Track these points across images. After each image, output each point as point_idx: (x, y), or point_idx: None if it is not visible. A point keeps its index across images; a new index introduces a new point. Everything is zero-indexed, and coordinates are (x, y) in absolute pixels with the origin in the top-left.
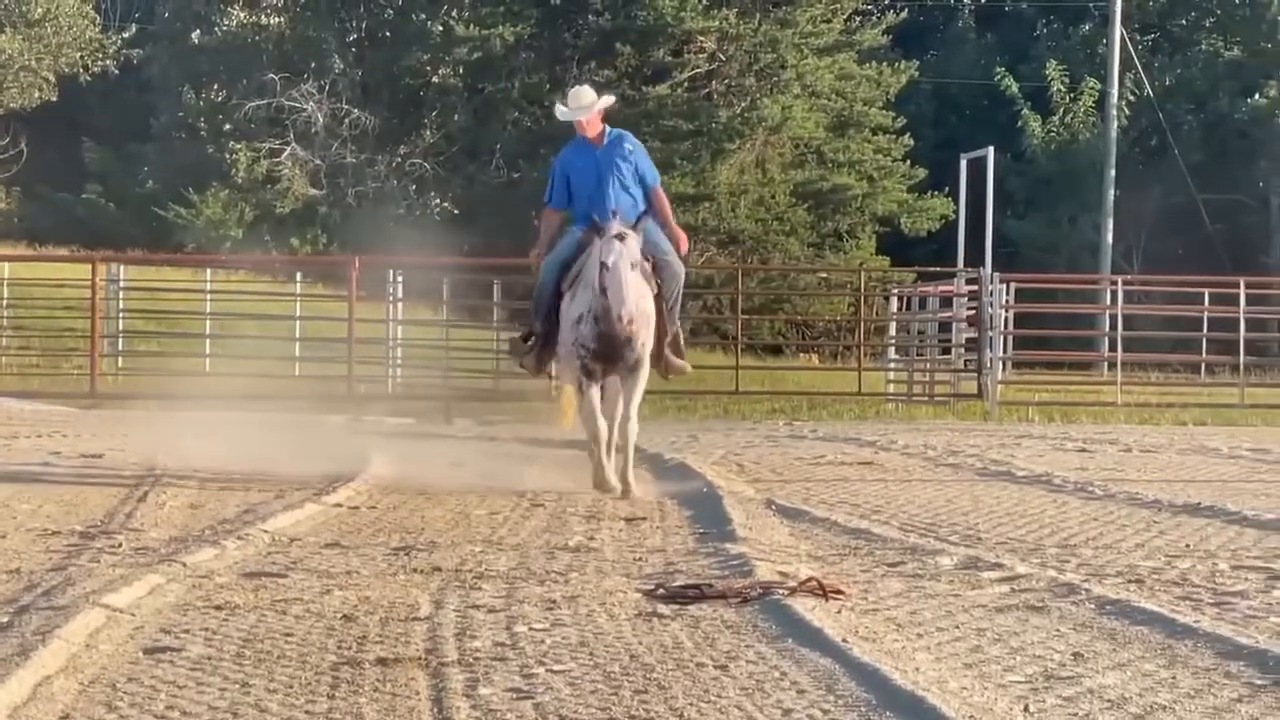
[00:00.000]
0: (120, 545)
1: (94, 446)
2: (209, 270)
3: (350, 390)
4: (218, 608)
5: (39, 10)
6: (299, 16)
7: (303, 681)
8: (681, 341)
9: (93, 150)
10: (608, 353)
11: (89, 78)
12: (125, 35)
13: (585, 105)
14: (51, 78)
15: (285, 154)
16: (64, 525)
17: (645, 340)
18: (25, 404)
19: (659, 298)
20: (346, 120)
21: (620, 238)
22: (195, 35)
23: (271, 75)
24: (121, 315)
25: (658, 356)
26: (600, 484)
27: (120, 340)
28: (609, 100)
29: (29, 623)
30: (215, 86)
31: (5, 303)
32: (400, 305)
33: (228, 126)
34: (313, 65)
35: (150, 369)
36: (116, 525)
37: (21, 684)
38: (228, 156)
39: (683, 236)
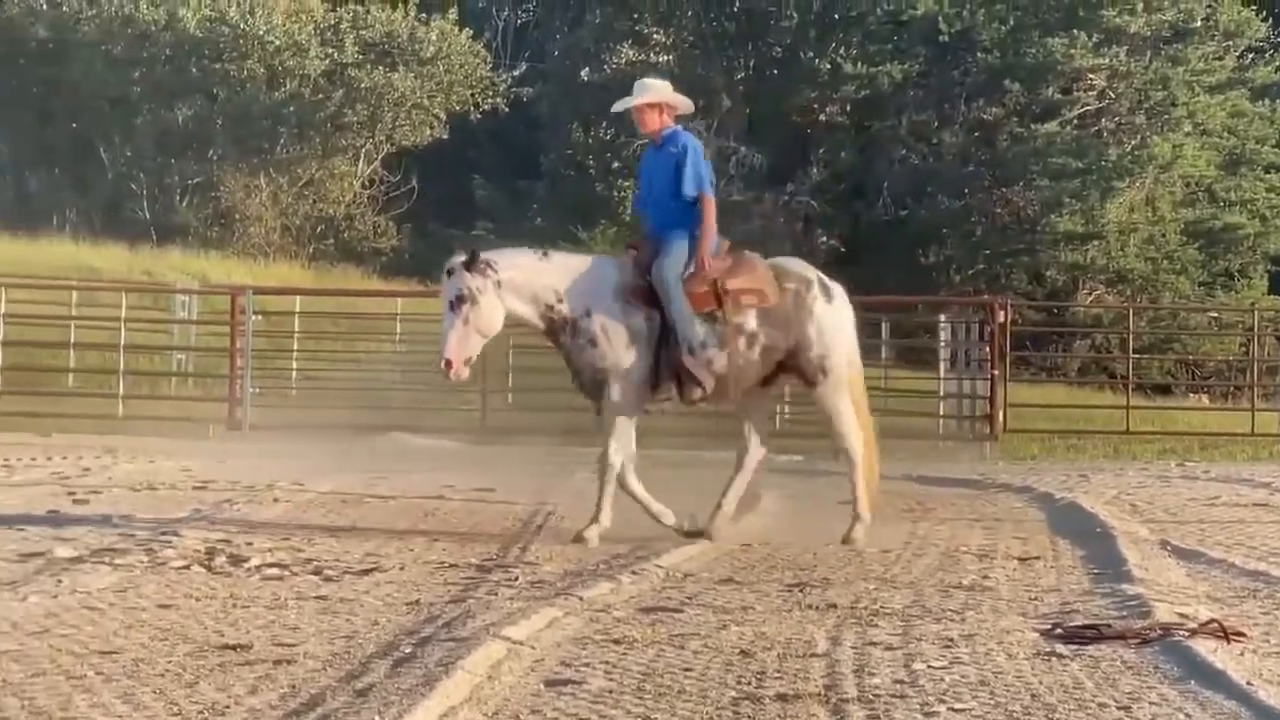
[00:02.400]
0: (517, 579)
1: (486, 481)
2: None
3: None
4: (616, 641)
5: (431, 49)
6: (687, 55)
7: (703, 716)
8: (688, 365)
9: (482, 187)
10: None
11: (479, 115)
12: (515, 74)
13: (634, 97)
14: (443, 115)
15: None
16: (460, 558)
17: (601, 372)
18: (418, 439)
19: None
20: (734, 158)
21: (450, 272)
22: (584, 73)
23: None
24: (512, 351)
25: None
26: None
27: (510, 376)
28: (660, 91)
29: (431, 654)
30: (604, 124)
31: (398, 338)
32: None
33: (616, 164)
34: (700, 103)
35: (540, 405)
36: (512, 559)
37: (428, 714)
38: (616, 194)
39: (704, 258)
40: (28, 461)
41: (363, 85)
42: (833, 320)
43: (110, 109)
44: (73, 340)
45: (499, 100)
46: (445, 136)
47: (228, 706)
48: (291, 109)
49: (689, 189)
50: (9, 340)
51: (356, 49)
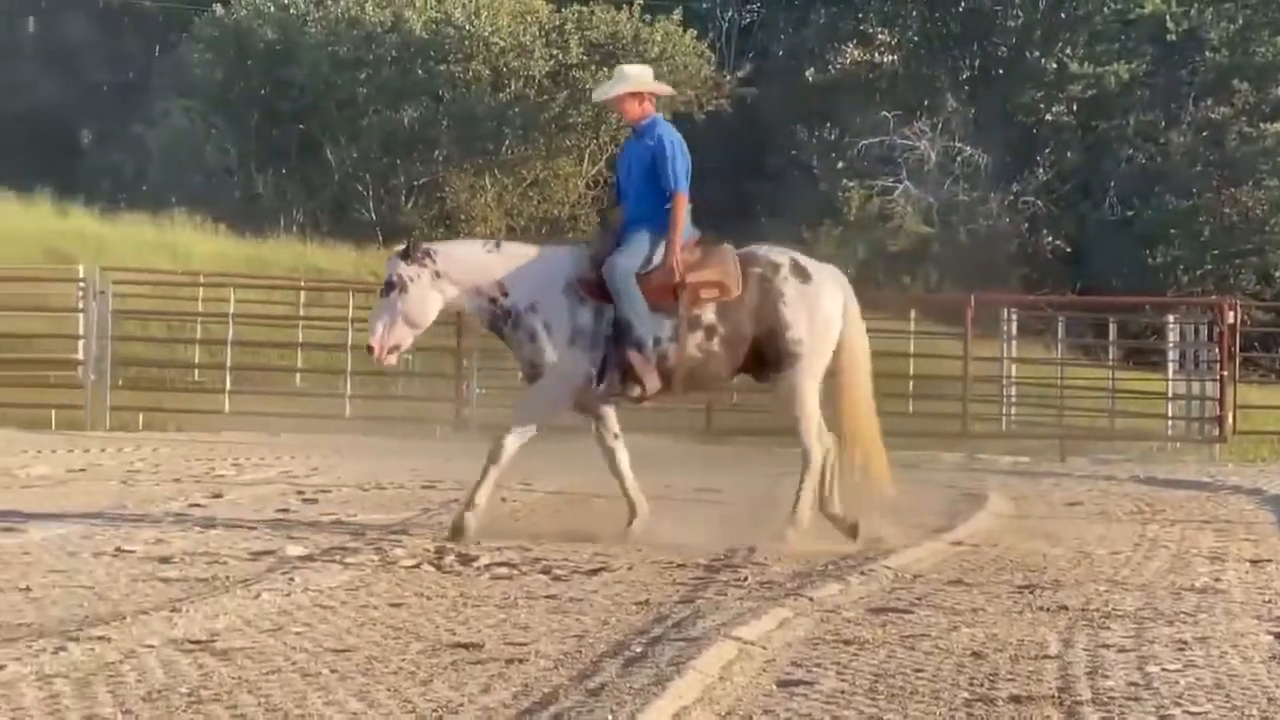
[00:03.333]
0: (745, 578)
1: (711, 481)
2: None
3: (965, 428)
4: (846, 642)
5: (655, 49)
6: (912, 54)
7: (936, 717)
8: (634, 363)
9: (707, 188)
10: None
11: (703, 116)
12: (740, 74)
13: (614, 85)
14: (667, 116)
15: (898, 192)
16: (688, 558)
17: (538, 368)
18: (642, 438)
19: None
20: (959, 158)
21: (392, 260)
22: (809, 73)
23: (884, 113)
24: None
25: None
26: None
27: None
28: (640, 80)
29: (662, 654)
30: (828, 124)
31: None
32: (1014, 343)
33: (841, 164)
34: (925, 103)
35: (764, 405)
36: (740, 559)
37: (660, 713)
38: (841, 194)
39: (670, 264)
40: (257, 461)
41: (587, 86)
42: (808, 302)
43: (336, 110)
44: (300, 340)
45: (723, 101)
46: None
47: (461, 705)
48: (516, 110)
49: (667, 184)
50: (238, 340)
51: (581, 50)
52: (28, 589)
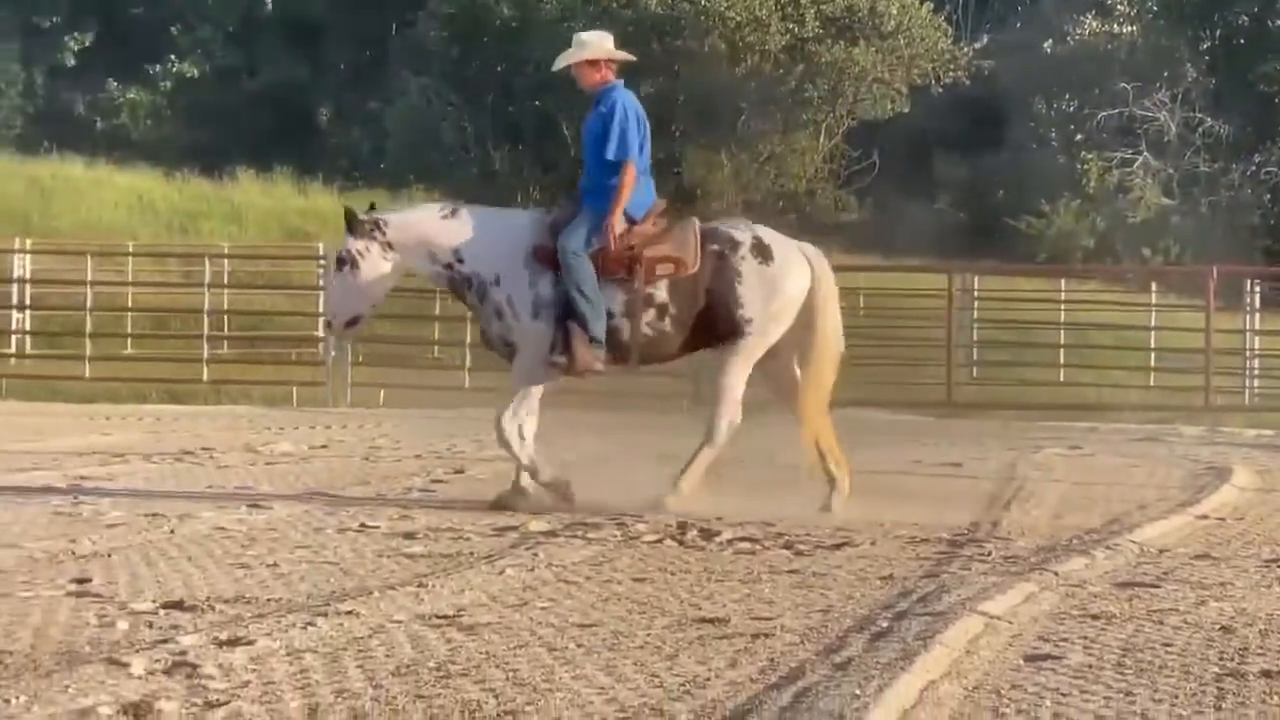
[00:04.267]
0: (990, 553)
1: (952, 456)
2: (1062, 281)
3: (1207, 402)
4: (1094, 616)
5: (891, 23)
6: (1151, 25)
7: (1187, 692)
8: (574, 342)
9: (944, 161)
10: None
11: (940, 89)
12: (977, 46)
13: (572, 54)
14: (904, 89)
15: (1137, 163)
16: (931, 532)
17: (510, 344)
18: (882, 413)
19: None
20: (1199, 129)
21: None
22: (1047, 45)
23: (1123, 84)
24: (975, 325)
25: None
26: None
27: (974, 350)
28: (598, 47)
29: (909, 628)
30: (1066, 96)
31: (861, 312)
32: (1258, 316)
33: (1079, 136)
34: (1165, 74)
35: (1004, 379)
36: (983, 533)
37: (909, 688)
38: (1079, 166)
39: (615, 226)
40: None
41: (823, 60)
42: (767, 284)
43: (572, 86)
44: None
45: (960, 74)
46: (906, 110)
47: (708, 679)
48: (752, 85)
49: (611, 153)
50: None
51: (817, 24)
52: (275, 565)
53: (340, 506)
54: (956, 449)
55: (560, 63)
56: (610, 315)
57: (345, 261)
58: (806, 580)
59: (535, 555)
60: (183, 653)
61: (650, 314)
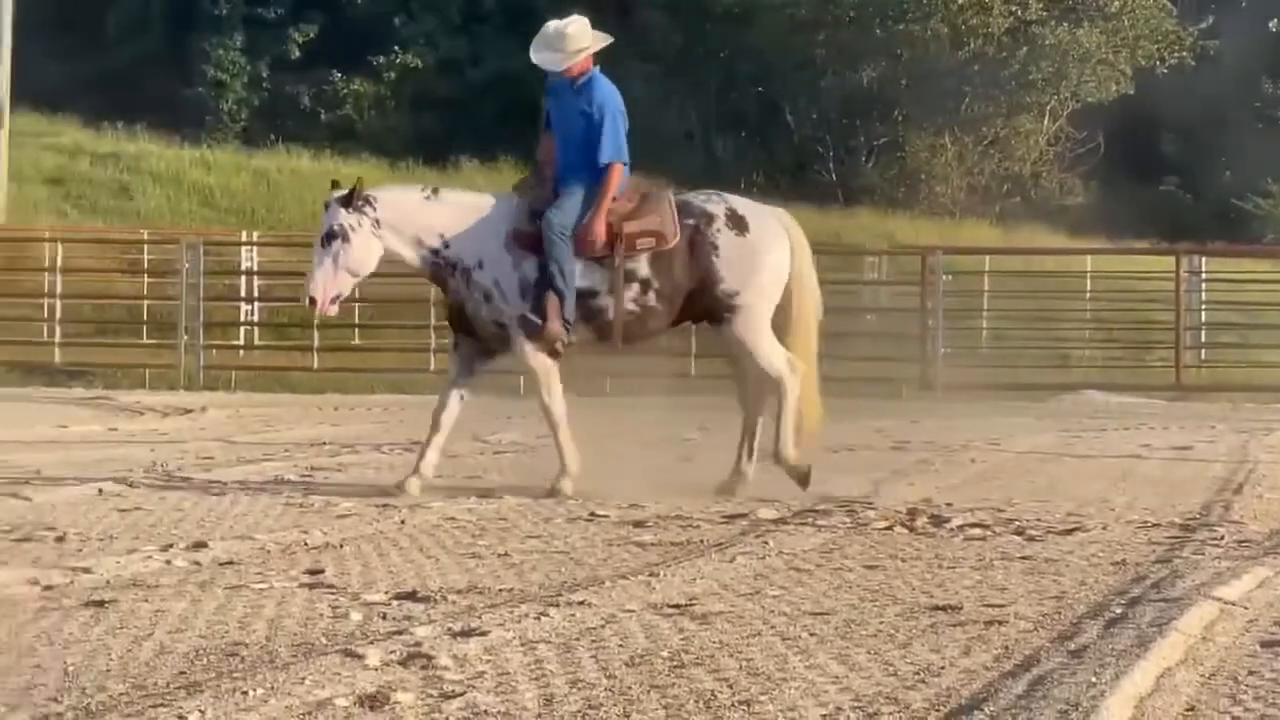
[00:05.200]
0: (1222, 538)
1: (1182, 439)
2: None
3: None
4: None
5: (1116, 3)
6: None
7: None
8: (549, 313)
9: (1170, 142)
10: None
11: (1165, 70)
12: (1202, 26)
13: (562, 49)
14: (1128, 70)
15: None
16: (1162, 517)
17: (502, 327)
18: (1111, 396)
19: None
20: None
21: (326, 205)
22: (1272, 24)
23: None
24: (1203, 308)
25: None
26: (399, 484)
27: (1203, 333)
28: (585, 39)
29: (1143, 615)
30: None
31: (1088, 295)
32: None
33: None
34: None
35: (1233, 361)
36: (1215, 518)
37: (1145, 675)
38: None
39: (598, 233)
40: (723, 424)
41: (1047, 42)
42: (743, 253)
43: (794, 72)
44: None
45: (1185, 54)
46: (1131, 92)
47: (942, 668)
48: (976, 68)
49: (605, 156)
50: None
51: (1040, 5)
52: (506, 554)
53: (568, 496)
54: (1186, 432)
55: (553, 66)
56: (593, 294)
57: (337, 235)
58: (1038, 566)
59: (765, 543)
60: (417, 644)
61: (633, 289)
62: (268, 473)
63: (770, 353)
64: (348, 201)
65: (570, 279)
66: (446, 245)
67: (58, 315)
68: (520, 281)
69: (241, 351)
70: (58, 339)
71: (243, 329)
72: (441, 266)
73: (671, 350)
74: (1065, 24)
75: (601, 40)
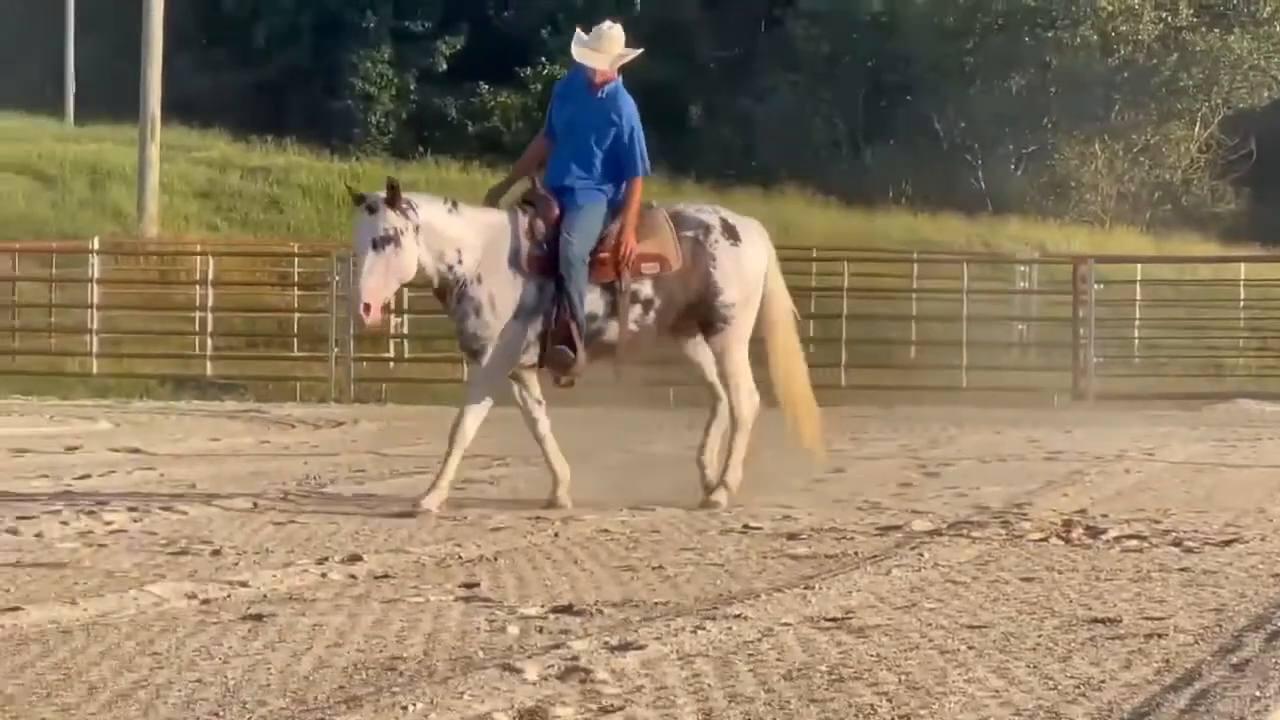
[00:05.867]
0: None
1: None
2: None
3: None
4: None
5: (1267, 9)
6: None
7: None
8: (573, 334)
9: None
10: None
11: None
12: None
13: (606, 52)
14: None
15: None
16: None
17: (480, 341)
18: (1265, 405)
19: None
20: None
21: (371, 208)
22: None
23: None
24: None
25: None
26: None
27: None
28: (620, 46)
29: None
30: None
31: (1241, 303)
32: None
33: None
34: None
35: None
36: None
37: None
38: None
39: (626, 244)
40: (874, 434)
41: (1197, 49)
42: (737, 263)
43: (943, 80)
44: (914, 312)
45: None
46: None
47: (1103, 681)
48: (1125, 75)
49: (634, 170)
50: (852, 314)
51: (1191, 12)
52: (660, 567)
53: (723, 508)
54: None
55: (603, 64)
56: (594, 318)
57: (389, 240)
58: (1197, 578)
59: (920, 555)
60: (574, 658)
61: (635, 311)
62: (421, 486)
63: (741, 371)
64: (394, 203)
65: (586, 301)
66: (460, 261)
67: (209, 328)
68: (520, 301)
69: (391, 364)
70: (209, 352)
71: (392, 341)
72: (450, 281)
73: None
74: (1216, 30)
75: (635, 52)
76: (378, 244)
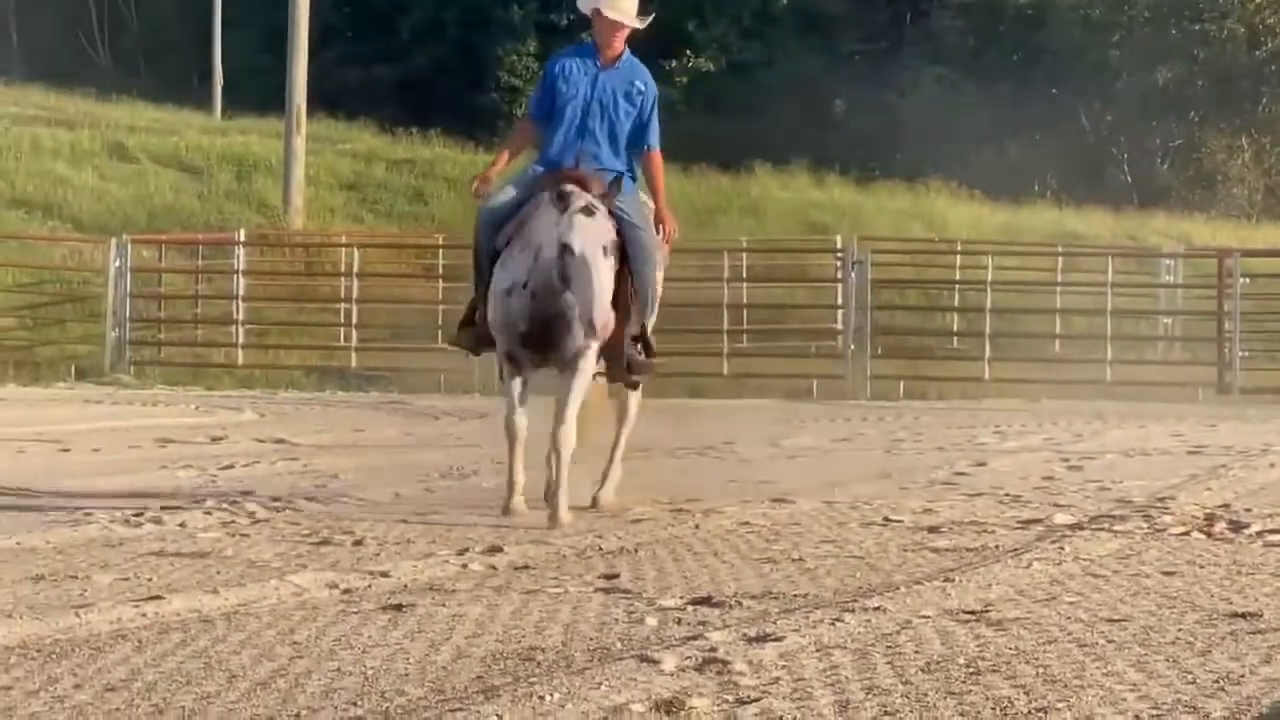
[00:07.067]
0: None
1: None
2: None
3: None
4: None
5: None
6: None
7: None
8: (650, 336)
9: None
10: (544, 338)
11: None
12: None
13: (627, 11)
14: None
15: None
16: None
17: (594, 328)
18: None
19: (620, 277)
20: None
21: (588, 211)
22: None
23: None
24: None
25: (618, 353)
26: (508, 507)
27: None
28: (632, 13)
29: None
30: None
31: None
32: None
33: None
34: None
35: None
36: None
37: None
38: None
39: (671, 222)
40: (1019, 428)
41: None
42: None
43: (1089, 73)
44: (1059, 306)
45: None
46: None
47: (1242, 676)
48: (1273, 67)
49: (653, 142)
50: (995, 307)
51: None
52: (800, 559)
53: (863, 500)
54: None
55: (637, 24)
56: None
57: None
58: None
59: (1061, 549)
60: (712, 649)
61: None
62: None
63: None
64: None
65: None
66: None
67: (354, 320)
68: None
69: None
70: (354, 343)
71: None
72: None
73: None
74: None
75: (650, 18)
76: (607, 251)
